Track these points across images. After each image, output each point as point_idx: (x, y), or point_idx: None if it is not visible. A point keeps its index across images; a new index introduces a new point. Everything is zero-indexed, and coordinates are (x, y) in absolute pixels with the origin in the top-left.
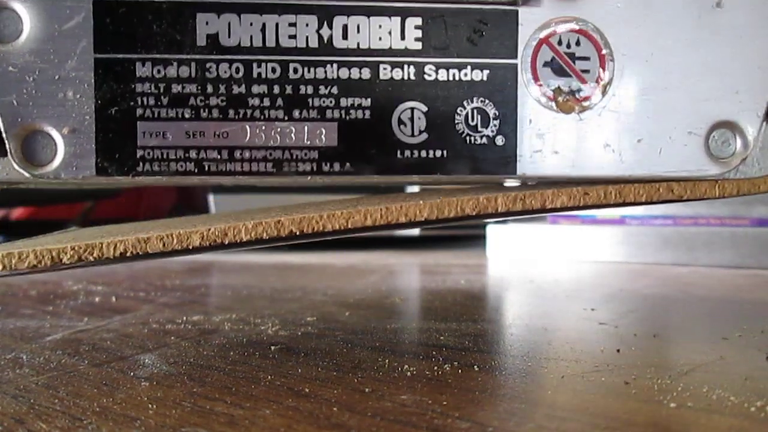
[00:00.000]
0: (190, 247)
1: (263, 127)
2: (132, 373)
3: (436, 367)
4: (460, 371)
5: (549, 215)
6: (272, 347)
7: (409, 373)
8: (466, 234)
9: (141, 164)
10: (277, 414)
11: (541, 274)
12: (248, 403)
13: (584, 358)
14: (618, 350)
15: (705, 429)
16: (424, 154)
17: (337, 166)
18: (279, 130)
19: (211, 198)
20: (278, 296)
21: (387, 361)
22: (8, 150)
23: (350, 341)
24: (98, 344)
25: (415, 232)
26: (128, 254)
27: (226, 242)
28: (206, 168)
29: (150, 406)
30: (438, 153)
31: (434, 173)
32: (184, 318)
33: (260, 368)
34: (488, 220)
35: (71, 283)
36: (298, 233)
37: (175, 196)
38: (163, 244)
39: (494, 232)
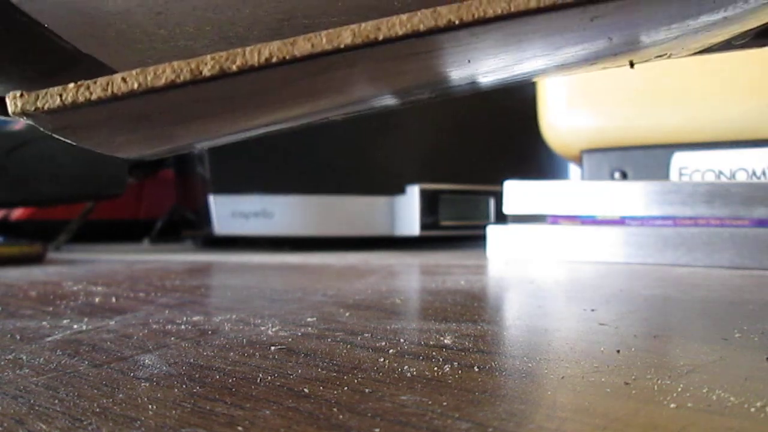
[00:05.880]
0: (342, 46)
1: None
2: (132, 374)
3: (436, 368)
4: (460, 372)
5: (549, 216)
6: (272, 348)
7: (409, 374)
8: (465, 235)
9: None
10: (277, 414)
11: (541, 275)
12: (248, 403)
13: (584, 359)
14: (618, 351)
15: (705, 429)
16: None
17: None
18: None
19: (211, 198)
20: (278, 297)
21: (387, 361)
22: None
23: (350, 342)
24: (98, 345)
25: (416, 232)
26: (274, 59)
27: (380, 38)
28: None
29: (150, 406)
30: None
31: None
32: (184, 318)
33: (260, 369)
34: None
35: (71, 284)
36: (457, 22)
37: (174, 197)
38: (312, 45)
39: (494, 232)
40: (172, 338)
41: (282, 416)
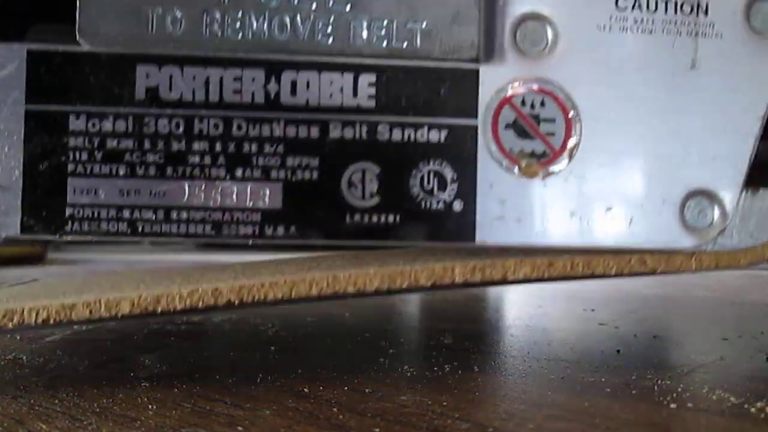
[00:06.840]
0: (119, 316)
1: (203, 186)
2: (132, 374)
3: (436, 368)
4: (460, 372)
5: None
6: (272, 348)
7: (409, 374)
8: None
9: (70, 223)
10: (277, 414)
11: None
12: (248, 403)
13: (584, 359)
14: (618, 351)
15: (705, 429)
16: (375, 218)
17: (281, 230)
18: (220, 189)
19: None
20: None
21: (387, 361)
22: None
23: (350, 342)
24: (98, 345)
25: None
26: (51, 322)
27: (159, 310)
28: (140, 229)
29: (150, 406)
30: (390, 218)
31: (386, 239)
32: (184, 318)
33: (260, 368)
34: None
35: None
36: (236, 303)
37: None
38: (90, 312)
39: None
40: (172, 338)
41: (282, 416)
